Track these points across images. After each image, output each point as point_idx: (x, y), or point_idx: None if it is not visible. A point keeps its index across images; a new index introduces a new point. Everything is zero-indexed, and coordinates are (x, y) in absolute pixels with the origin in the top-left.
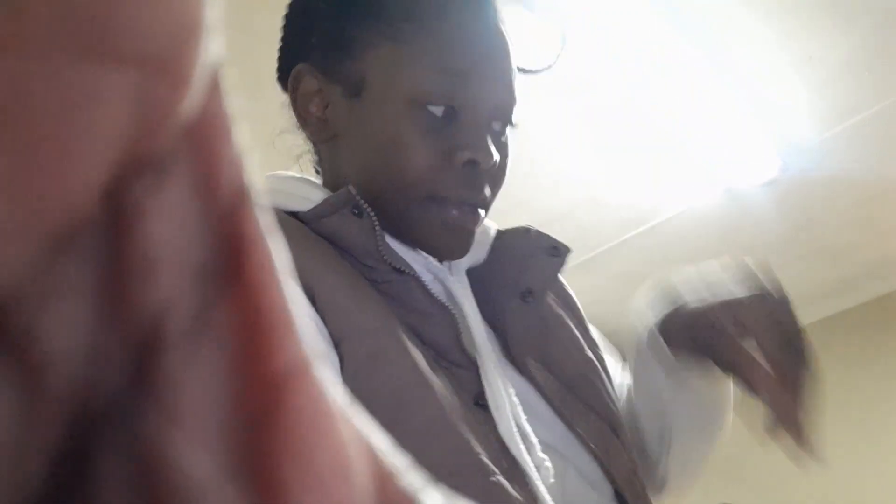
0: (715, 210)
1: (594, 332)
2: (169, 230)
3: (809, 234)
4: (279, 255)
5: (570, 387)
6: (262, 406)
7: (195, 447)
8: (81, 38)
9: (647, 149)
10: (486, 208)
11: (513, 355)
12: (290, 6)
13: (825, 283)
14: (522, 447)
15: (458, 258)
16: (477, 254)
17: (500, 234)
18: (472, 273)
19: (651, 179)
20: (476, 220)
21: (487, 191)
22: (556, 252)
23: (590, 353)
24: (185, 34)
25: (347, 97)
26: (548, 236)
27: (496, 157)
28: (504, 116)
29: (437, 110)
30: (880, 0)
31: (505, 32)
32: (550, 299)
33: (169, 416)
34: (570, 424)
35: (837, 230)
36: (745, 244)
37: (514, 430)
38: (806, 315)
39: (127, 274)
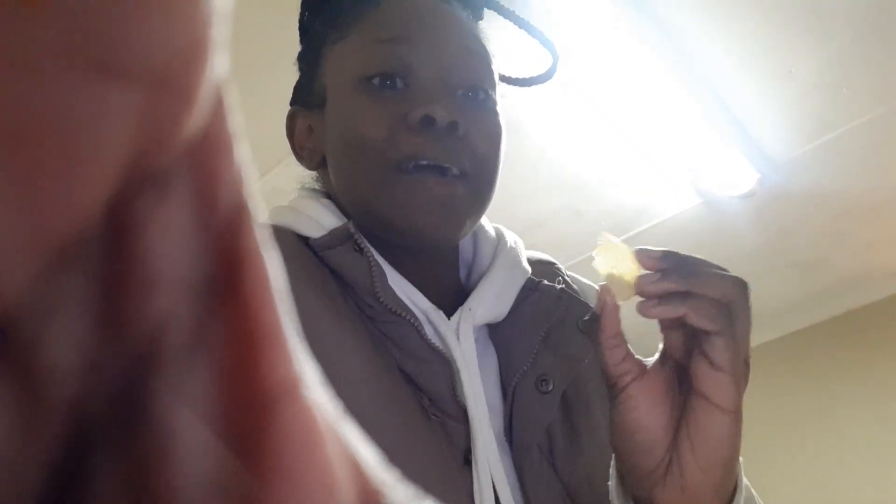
0: (693, 221)
1: None
2: (169, 245)
3: (784, 246)
4: (276, 272)
5: (569, 487)
6: (252, 423)
7: (187, 462)
8: (89, 55)
9: (626, 159)
10: (471, 180)
11: (514, 445)
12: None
13: (799, 295)
14: None
15: (445, 237)
16: (499, 308)
17: (528, 285)
18: (496, 330)
19: (630, 190)
20: (454, 186)
21: (465, 158)
22: (590, 327)
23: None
24: (193, 53)
25: (320, 115)
26: (583, 304)
27: (455, 115)
28: (465, 80)
29: (384, 78)
30: (860, 17)
31: (449, 6)
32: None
33: (162, 431)
34: None
35: (812, 243)
36: (721, 255)
37: (491, 499)
38: (779, 327)
39: (127, 288)
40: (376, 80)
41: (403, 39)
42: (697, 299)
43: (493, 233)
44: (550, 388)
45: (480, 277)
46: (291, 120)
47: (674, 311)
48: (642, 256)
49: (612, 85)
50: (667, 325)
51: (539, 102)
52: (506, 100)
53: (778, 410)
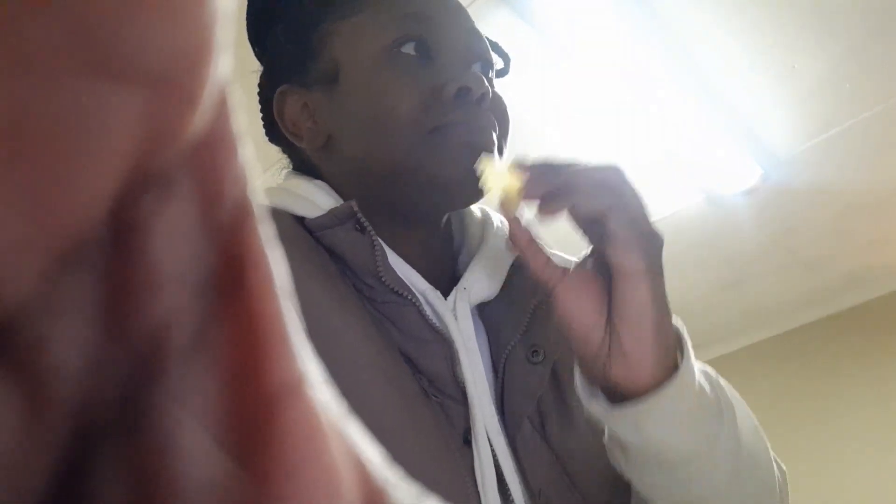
0: (696, 217)
1: None
2: (172, 246)
3: (788, 242)
4: (279, 270)
5: (563, 459)
6: (255, 424)
7: (190, 464)
8: (92, 56)
9: (629, 156)
10: (500, 151)
11: (505, 418)
12: (251, 40)
13: (803, 291)
14: (496, 498)
15: (477, 189)
16: (491, 286)
17: (517, 262)
18: (484, 309)
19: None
20: (492, 140)
21: (491, 127)
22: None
23: None
24: (196, 54)
25: (328, 92)
26: None
27: (486, 87)
28: (483, 58)
29: (410, 49)
30: (863, 14)
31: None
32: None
33: (164, 432)
34: None
35: (816, 240)
36: (723, 251)
37: (493, 479)
38: (783, 323)
39: (130, 288)
40: (405, 52)
41: (424, 15)
42: (578, 189)
43: (479, 214)
44: (541, 358)
45: (471, 258)
46: (281, 99)
47: (563, 202)
48: (520, 168)
49: (614, 82)
50: (581, 225)
51: (542, 99)
52: (508, 97)
53: (780, 407)
